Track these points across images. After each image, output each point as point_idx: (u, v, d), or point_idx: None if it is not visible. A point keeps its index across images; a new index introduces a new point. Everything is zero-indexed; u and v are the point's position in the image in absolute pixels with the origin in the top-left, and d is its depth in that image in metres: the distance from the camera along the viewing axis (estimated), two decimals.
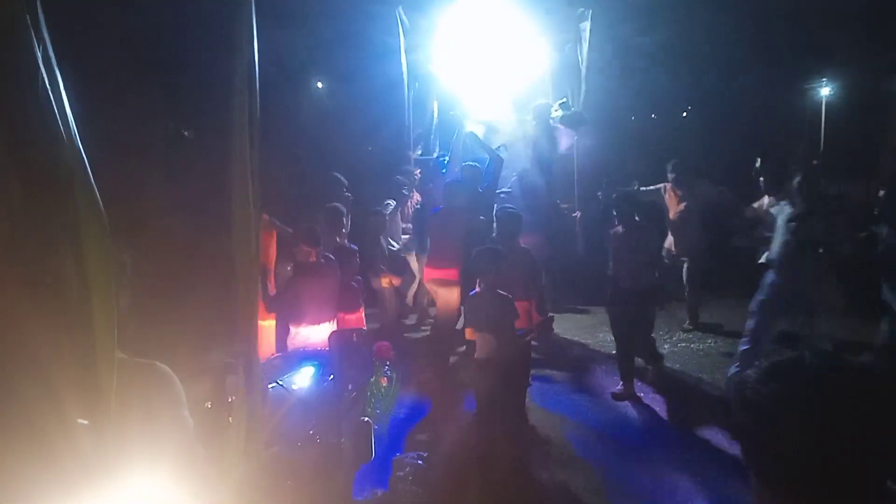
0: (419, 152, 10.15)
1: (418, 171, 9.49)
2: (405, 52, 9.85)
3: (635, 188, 8.63)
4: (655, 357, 6.76)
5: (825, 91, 15.92)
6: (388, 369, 5.41)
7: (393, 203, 8.73)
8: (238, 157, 1.54)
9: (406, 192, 8.98)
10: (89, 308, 1.17)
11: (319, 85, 15.18)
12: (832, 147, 15.16)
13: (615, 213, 6.57)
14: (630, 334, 6.42)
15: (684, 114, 17.29)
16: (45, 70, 1.13)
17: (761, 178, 7.68)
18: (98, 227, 1.21)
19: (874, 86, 14.32)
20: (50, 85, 1.14)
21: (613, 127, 12.44)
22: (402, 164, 9.59)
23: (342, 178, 8.48)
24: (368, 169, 9.78)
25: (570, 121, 7.64)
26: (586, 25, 8.93)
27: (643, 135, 14.99)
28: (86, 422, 1.16)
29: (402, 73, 9.96)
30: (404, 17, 9.74)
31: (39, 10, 1.11)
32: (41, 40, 1.13)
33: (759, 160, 7.67)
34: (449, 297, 6.73)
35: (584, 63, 9.04)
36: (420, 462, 4.82)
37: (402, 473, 4.77)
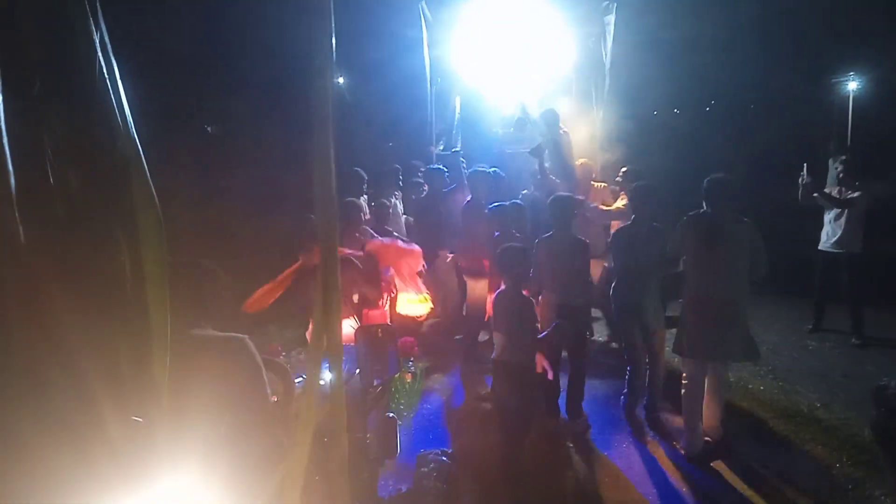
0: (441, 147, 10.12)
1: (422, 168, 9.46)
2: (428, 46, 9.82)
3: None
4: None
5: (853, 85, 15.65)
6: (412, 365, 5.39)
7: (398, 194, 8.69)
8: (320, 150, 1.53)
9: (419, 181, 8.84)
10: (144, 298, 1.16)
11: (340, 80, 15.20)
12: (860, 142, 14.92)
13: (632, 207, 5.86)
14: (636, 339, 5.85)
15: (707, 108, 17.09)
16: (103, 57, 1.11)
17: (840, 174, 7.58)
18: (153, 217, 1.20)
19: None
20: (107, 73, 1.13)
21: (637, 122, 12.32)
22: (421, 158, 9.57)
23: (362, 173, 8.47)
24: (389, 164, 9.75)
25: (533, 152, 7.51)
26: (611, 19, 8.84)
27: (667, 129, 14.84)
28: (140, 419, 1.15)
29: (424, 68, 9.94)
30: (427, 12, 9.71)
31: None
32: (98, 27, 1.11)
33: (805, 166, 7.53)
34: (477, 288, 6.70)
35: (608, 57, 8.96)
36: (444, 458, 4.80)
37: (426, 469, 4.75)
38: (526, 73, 9.27)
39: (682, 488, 4.74)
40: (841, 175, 7.56)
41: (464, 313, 7.28)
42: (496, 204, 6.48)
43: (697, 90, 15.62)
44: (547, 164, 7.33)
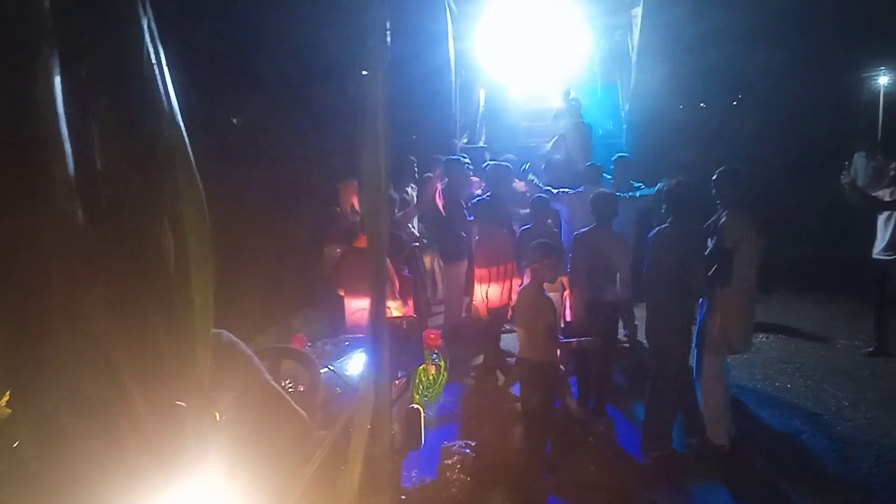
0: (465, 140, 10.09)
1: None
2: (453, 39, 9.79)
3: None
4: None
5: (884, 80, 15.36)
6: (436, 357, 5.39)
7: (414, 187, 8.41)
8: (370, 139, 1.52)
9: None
10: (188, 286, 1.16)
11: (364, 73, 15.18)
12: (890, 137, 14.64)
13: (664, 208, 5.22)
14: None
15: (735, 102, 16.87)
16: (150, 43, 1.11)
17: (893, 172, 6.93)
18: (197, 205, 1.20)
19: None
20: (154, 59, 1.12)
21: (662, 115, 12.19)
22: (445, 152, 9.51)
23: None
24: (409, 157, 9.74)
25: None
26: (638, 11, 8.75)
27: (692, 123, 14.66)
28: (182, 403, 1.15)
29: (448, 61, 9.91)
30: (453, 5, 9.67)
31: None
32: (146, 13, 1.11)
33: (847, 164, 7.20)
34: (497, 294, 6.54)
35: (635, 49, 8.87)
36: (468, 450, 4.80)
37: (450, 461, 4.75)
38: (551, 65, 9.22)
39: (706, 486, 4.70)
40: (894, 174, 6.93)
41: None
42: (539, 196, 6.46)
43: (725, 84, 15.42)
44: (557, 156, 7.34)
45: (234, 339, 2.44)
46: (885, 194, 6.90)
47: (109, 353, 1.06)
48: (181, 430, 1.13)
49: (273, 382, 2.50)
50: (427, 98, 11.33)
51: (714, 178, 5.05)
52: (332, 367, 4.10)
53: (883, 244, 6.93)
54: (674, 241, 4.85)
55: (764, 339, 7.66)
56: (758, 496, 4.60)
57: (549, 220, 6.59)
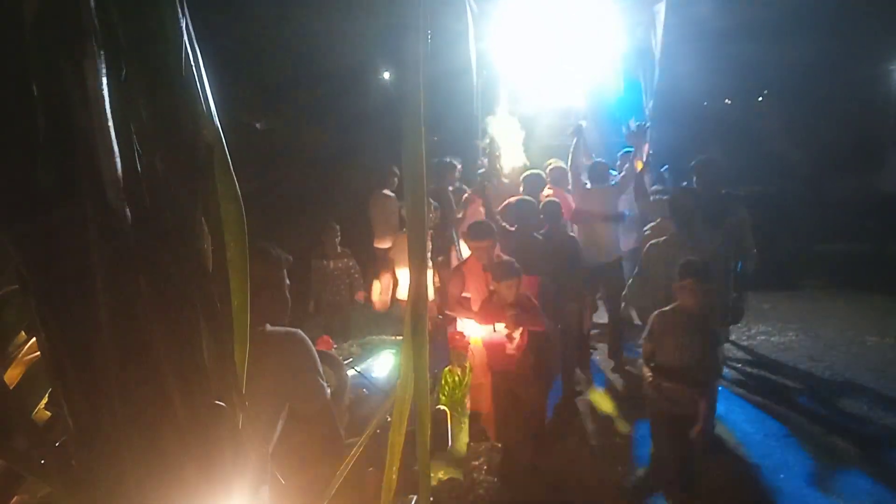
0: (487, 142, 10.06)
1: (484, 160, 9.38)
2: (473, 38, 9.76)
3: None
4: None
5: None
6: (461, 358, 5.38)
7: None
8: (411, 141, 1.52)
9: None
10: (227, 285, 1.17)
11: (386, 75, 15.24)
12: None
13: (672, 215, 5.02)
14: None
15: (760, 98, 16.66)
16: (188, 43, 1.12)
17: None
18: (235, 205, 1.21)
19: None
20: (192, 59, 1.13)
21: (687, 113, 12.09)
22: (468, 153, 9.47)
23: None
24: (434, 158, 9.72)
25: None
26: (661, 7, 8.66)
27: (717, 121, 14.51)
28: (222, 403, 1.16)
29: (469, 61, 9.87)
30: (474, 4, 9.65)
31: None
32: (184, 13, 1.12)
33: None
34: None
35: (658, 46, 8.78)
36: (495, 451, 4.80)
37: (477, 462, 4.75)
38: (573, 63, 9.17)
39: (736, 485, 4.65)
40: None
41: None
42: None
43: (750, 80, 15.23)
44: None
45: (306, 340, 2.51)
46: None
47: (150, 351, 1.07)
48: (219, 429, 1.14)
49: (327, 392, 2.55)
50: (448, 98, 11.33)
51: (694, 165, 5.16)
52: (358, 370, 4.13)
53: None
54: (682, 252, 4.48)
55: (794, 337, 7.56)
56: (789, 494, 4.54)
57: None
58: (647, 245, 5.07)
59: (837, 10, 13.38)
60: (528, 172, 7.28)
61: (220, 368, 1.14)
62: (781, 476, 4.73)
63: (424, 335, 1.49)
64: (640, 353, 4.34)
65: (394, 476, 1.62)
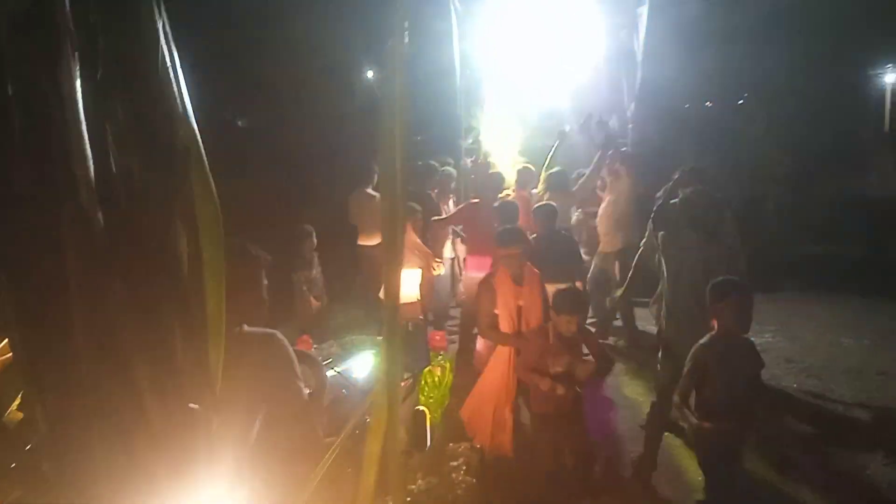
0: (470, 142, 10.10)
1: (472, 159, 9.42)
2: (457, 39, 9.78)
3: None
4: None
5: (890, 77, 15.31)
6: (441, 358, 5.40)
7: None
8: (388, 141, 1.53)
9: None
10: (202, 288, 1.17)
11: (370, 74, 15.21)
12: None
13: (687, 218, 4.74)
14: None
15: (741, 101, 16.80)
16: (165, 45, 1.12)
17: None
18: (211, 207, 1.21)
19: None
20: (169, 61, 1.14)
21: (668, 116, 12.17)
22: (450, 154, 9.48)
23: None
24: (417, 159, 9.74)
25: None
26: (643, 10, 8.74)
27: (699, 123, 14.62)
28: (196, 406, 1.16)
29: (453, 61, 9.90)
30: (457, 3, 9.67)
31: None
32: (161, 14, 1.12)
33: None
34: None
35: (641, 48, 8.86)
36: (474, 452, 4.81)
37: (455, 463, 4.76)
38: (557, 65, 9.22)
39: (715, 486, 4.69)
40: None
41: None
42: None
43: (731, 83, 15.37)
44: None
45: (285, 342, 2.50)
46: None
47: (124, 353, 1.07)
48: (193, 432, 1.14)
49: (305, 392, 2.55)
50: (432, 99, 11.34)
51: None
52: (337, 370, 4.12)
53: None
54: (695, 254, 4.51)
55: (771, 339, 7.63)
56: (765, 495, 4.59)
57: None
58: (664, 243, 4.76)
59: (817, 15, 13.53)
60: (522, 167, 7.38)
61: (194, 371, 1.15)
62: (756, 476, 4.78)
63: (397, 340, 1.50)
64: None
65: (371, 481, 1.63)
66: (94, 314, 1.03)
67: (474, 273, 6.52)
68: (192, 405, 1.15)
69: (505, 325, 4.54)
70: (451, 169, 8.56)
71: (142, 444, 1.09)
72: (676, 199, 5.15)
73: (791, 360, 6.99)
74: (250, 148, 12.36)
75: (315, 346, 4.87)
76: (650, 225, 5.32)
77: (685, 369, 3.80)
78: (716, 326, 3.75)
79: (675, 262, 4.66)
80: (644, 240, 5.36)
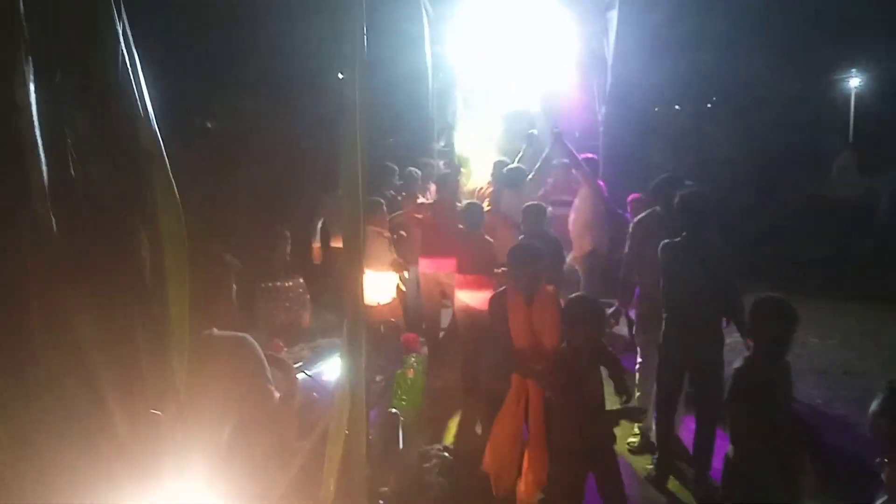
0: (443, 144, 10.11)
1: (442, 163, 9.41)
2: (429, 42, 9.80)
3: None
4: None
5: (854, 82, 15.66)
6: (415, 361, 5.39)
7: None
8: (348, 143, 1.52)
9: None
10: (165, 294, 1.16)
11: (340, 76, 15.13)
12: (861, 139, 14.93)
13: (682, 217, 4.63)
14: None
15: (709, 104, 17.08)
16: (125, 49, 1.10)
17: None
18: (174, 212, 1.20)
19: None
20: (129, 65, 1.12)
21: (638, 119, 12.31)
22: (425, 156, 9.49)
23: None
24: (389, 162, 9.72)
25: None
26: (613, 14, 8.82)
27: (668, 126, 14.83)
28: (159, 412, 1.15)
29: (425, 64, 9.91)
30: (429, 7, 9.69)
31: None
32: (121, 18, 1.10)
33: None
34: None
35: (611, 53, 8.95)
36: (446, 454, 4.81)
37: (428, 465, 4.76)
38: (528, 69, 9.28)
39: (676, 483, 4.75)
40: None
41: None
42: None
43: (699, 87, 15.61)
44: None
45: (255, 345, 2.49)
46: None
47: (86, 360, 1.05)
48: (157, 438, 1.13)
49: (276, 396, 2.54)
50: (404, 101, 11.32)
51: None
52: (308, 373, 4.10)
53: None
54: (693, 255, 4.46)
55: (739, 339, 7.73)
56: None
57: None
58: (663, 244, 4.60)
59: (784, 21, 13.80)
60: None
61: (158, 377, 1.13)
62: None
63: (361, 346, 1.50)
64: None
65: (331, 488, 1.63)
66: (52, 320, 1.02)
67: (428, 272, 6.66)
68: (154, 411, 1.14)
69: (518, 350, 4.06)
70: (415, 169, 8.50)
71: (106, 450, 1.07)
72: (657, 209, 5.21)
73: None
74: (221, 150, 12.22)
75: (286, 349, 4.83)
76: (629, 238, 5.36)
77: (728, 395, 3.45)
78: (751, 347, 3.51)
79: (672, 266, 4.56)
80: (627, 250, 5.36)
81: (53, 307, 1.02)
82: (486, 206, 6.83)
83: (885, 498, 1.86)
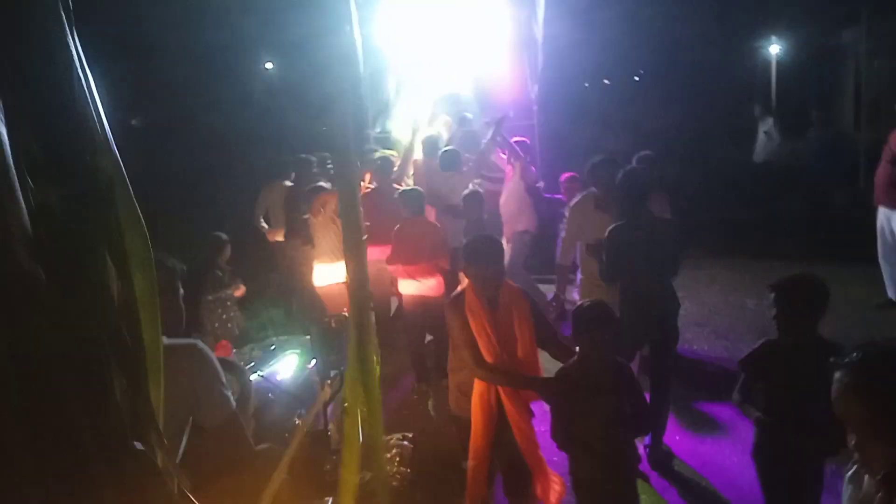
0: (378, 130, 10.01)
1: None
2: (358, 24, 9.63)
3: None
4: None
5: (774, 49, 16.18)
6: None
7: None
8: (341, 139, 1.49)
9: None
10: (136, 322, 1.10)
11: (269, 65, 14.83)
12: (783, 103, 15.47)
13: (624, 197, 4.68)
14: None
15: (636, 77, 17.42)
16: (79, 67, 1.03)
17: None
18: (140, 237, 1.14)
19: (823, 42, 14.62)
20: (85, 84, 1.04)
21: (570, 95, 12.47)
22: (362, 143, 9.36)
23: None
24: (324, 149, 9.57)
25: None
26: None
27: (598, 102, 15.07)
28: (140, 446, 1.09)
29: (354, 46, 9.74)
30: None
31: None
32: (73, 35, 1.03)
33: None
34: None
35: (541, 32, 9.01)
36: (406, 443, 4.81)
37: (389, 455, 4.75)
38: (459, 51, 9.24)
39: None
40: None
41: None
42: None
43: (626, 60, 15.88)
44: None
45: (206, 350, 2.42)
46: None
47: (56, 393, 0.99)
48: (139, 473, 1.07)
49: (232, 401, 2.49)
50: (334, 86, 11.12)
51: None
52: (261, 374, 4.03)
53: None
54: (642, 233, 4.53)
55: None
56: (673, 460, 4.79)
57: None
58: (610, 230, 4.61)
59: None
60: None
61: (135, 407, 1.08)
62: (676, 439, 5.00)
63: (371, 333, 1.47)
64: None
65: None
66: (18, 355, 0.95)
67: (373, 261, 6.56)
68: (136, 444, 1.08)
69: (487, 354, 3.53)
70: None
71: (84, 490, 1.02)
72: (593, 190, 5.35)
73: (700, 323, 7.33)
74: (147, 149, 11.84)
75: (235, 350, 4.74)
76: (567, 223, 5.51)
77: (743, 374, 3.44)
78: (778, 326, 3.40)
79: (622, 248, 4.57)
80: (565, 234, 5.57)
81: (19, 342, 0.96)
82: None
83: (854, 468, 1.83)
